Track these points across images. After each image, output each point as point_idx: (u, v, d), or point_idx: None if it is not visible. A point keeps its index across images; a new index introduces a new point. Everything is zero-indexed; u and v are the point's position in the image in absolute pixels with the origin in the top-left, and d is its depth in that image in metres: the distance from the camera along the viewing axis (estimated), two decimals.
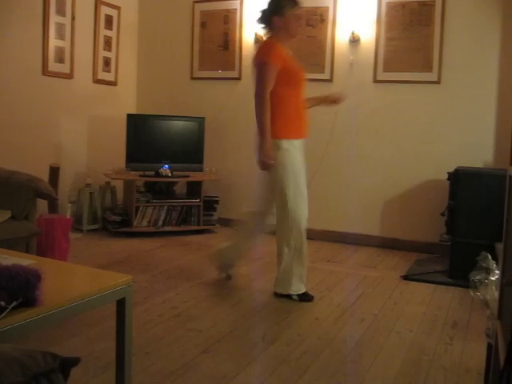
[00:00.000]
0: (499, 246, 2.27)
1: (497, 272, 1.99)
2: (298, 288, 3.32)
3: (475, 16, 4.42)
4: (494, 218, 3.48)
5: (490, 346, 2.03)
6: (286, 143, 3.24)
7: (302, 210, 3.27)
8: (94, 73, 5.14)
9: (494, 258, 2.13)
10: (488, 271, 2.05)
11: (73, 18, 4.79)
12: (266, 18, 3.34)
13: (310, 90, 5.06)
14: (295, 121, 3.31)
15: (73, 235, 4.17)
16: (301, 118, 3.34)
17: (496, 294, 1.89)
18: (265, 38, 3.48)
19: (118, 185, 5.25)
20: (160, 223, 5.02)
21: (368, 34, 4.75)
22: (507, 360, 1.29)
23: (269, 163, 3.19)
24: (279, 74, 3.22)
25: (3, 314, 1.42)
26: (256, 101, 3.23)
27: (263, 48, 3.33)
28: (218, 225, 5.22)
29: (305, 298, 3.33)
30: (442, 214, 4.07)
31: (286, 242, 3.28)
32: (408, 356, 2.60)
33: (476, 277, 2.07)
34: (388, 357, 2.58)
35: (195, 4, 5.39)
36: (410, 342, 2.77)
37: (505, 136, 4.31)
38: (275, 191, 3.31)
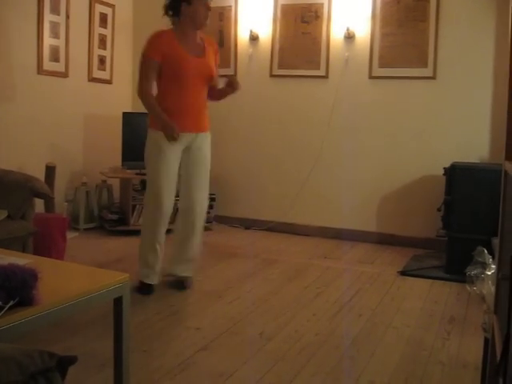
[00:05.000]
0: (495, 241, 2.28)
1: (493, 267, 2.00)
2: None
3: (470, 11, 4.42)
4: (489, 212, 3.50)
5: (486, 340, 2.04)
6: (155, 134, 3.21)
7: (153, 202, 3.27)
8: (89, 71, 5.12)
9: (490, 253, 2.13)
10: (484, 266, 2.05)
11: (67, 17, 4.77)
12: (175, 5, 3.24)
13: (305, 87, 5.12)
14: (172, 116, 3.16)
15: (69, 234, 4.16)
16: (180, 113, 3.21)
17: (492, 289, 1.89)
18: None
19: (115, 183, 5.24)
20: None
21: (363, 30, 4.74)
22: (503, 354, 1.30)
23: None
24: (162, 68, 3.18)
25: (0, 314, 1.41)
26: (140, 98, 3.22)
27: (147, 40, 3.25)
28: (214, 222, 5.21)
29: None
30: (439, 210, 4.08)
31: None
32: (405, 351, 2.60)
33: (472, 271, 2.08)
34: (385, 352, 2.59)
35: None
36: (407, 337, 2.78)
37: (500, 131, 4.29)
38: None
